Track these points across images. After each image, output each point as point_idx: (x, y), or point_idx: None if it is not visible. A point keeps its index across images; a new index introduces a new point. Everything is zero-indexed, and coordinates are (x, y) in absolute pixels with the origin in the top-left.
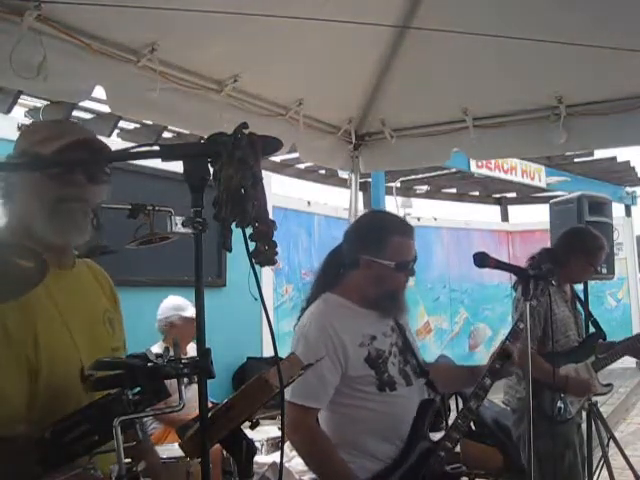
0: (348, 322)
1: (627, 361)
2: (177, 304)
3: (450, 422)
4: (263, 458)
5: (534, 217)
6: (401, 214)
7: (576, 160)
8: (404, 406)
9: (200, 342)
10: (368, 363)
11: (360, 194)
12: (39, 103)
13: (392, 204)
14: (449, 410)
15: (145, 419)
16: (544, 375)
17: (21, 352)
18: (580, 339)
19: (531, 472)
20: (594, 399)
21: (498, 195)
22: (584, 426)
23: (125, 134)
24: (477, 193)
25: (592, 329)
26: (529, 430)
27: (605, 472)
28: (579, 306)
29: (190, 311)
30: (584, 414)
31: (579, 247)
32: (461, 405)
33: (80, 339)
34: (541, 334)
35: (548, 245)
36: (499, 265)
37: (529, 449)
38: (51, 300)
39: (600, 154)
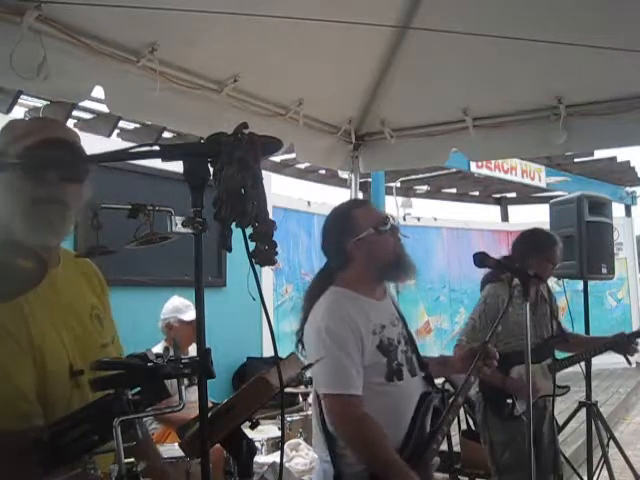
0: (359, 311)
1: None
2: (177, 306)
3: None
4: (263, 458)
5: (534, 217)
6: (401, 214)
7: (576, 160)
8: (408, 397)
9: (200, 342)
10: (380, 351)
11: (360, 194)
12: (39, 103)
13: (392, 204)
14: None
15: (145, 419)
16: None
17: (23, 349)
18: (540, 340)
19: (531, 471)
20: (594, 399)
21: (498, 195)
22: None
23: (125, 134)
24: (477, 193)
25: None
26: (529, 432)
27: (605, 472)
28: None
29: (189, 315)
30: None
31: (533, 247)
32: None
33: (68, 337)
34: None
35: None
36: (499, 265)
37: (529, 449)
38: (40, 299)
39: (600, 154)
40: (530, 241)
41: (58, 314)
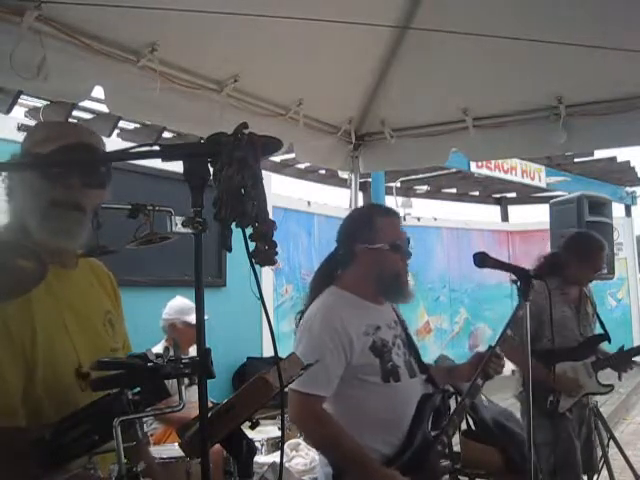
0: (353, 313)
1: None
2: (181, 307)
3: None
4: (263, 458)
5: (534, 217)
6: (401, 214)
7: (576, 160)
8: (407, 398)
9: (200, 342)
10: (372, 351)
11: (360, 194)
12: (39, 103)
13: (392, 204)
14: (449, 409)
15: (145, 419)
16: (533, 372)
17: (19, 350)
18: (582, 339)
19: (531, 469)
20: (595, 399)
21: (498, 195)
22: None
23: (125, 134)
24: (477, 193)
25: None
26: (529, 429)
27: (605, 472)
28: (590, 307)
29: (194, 317)
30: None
31: (580, 250)
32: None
33: (78, 339)
34: (533, 334)
35: (548, 245)
36: (499, 265)
37: (529, 446)
38: (52, 298)
39: (600, 154)
40: (578, 244)
41: (70, 316)
